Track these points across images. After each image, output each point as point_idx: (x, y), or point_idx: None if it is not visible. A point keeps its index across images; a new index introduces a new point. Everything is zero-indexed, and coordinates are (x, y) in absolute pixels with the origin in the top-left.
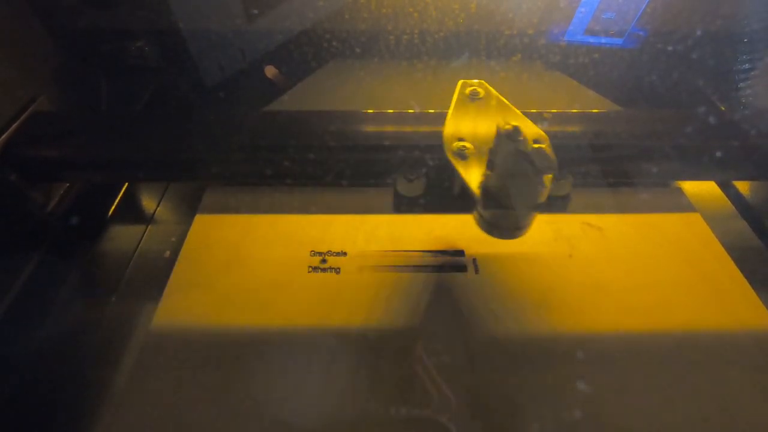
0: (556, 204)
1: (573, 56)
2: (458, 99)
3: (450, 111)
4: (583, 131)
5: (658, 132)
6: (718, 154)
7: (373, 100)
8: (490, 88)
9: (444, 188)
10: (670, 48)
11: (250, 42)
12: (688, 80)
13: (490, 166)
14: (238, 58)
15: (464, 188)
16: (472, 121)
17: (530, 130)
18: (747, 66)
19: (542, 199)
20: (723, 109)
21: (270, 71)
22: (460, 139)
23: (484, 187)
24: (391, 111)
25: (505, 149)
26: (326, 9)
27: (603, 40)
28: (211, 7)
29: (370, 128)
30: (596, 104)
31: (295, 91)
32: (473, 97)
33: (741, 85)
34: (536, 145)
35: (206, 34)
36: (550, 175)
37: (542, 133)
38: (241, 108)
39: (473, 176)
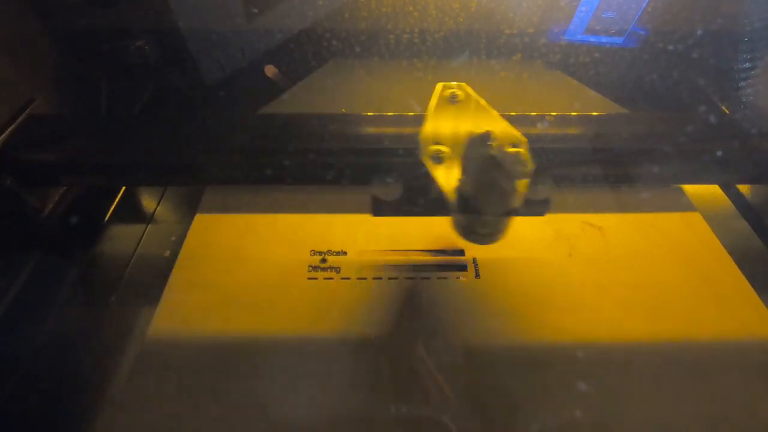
0: (536, 208)
1: (573, 55)
2: (438, 101)
3: (428, 114)
4: (582, 133)
5: (658, 134)
6: (719, 155)
7: (373, 99)
8: (470, 91)
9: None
10: (670, 47)
11: (250, 41)
12: (689, 80)
13: (464, 171)
14: (237, 58)
15: (441, 192)
16: (450, 125)
17: (508, 133)
18: (748, 65)
19: (516, 204)
20: (726, 110)
21: (270, 70)
22: (437, 143)
23: (459, 192)
24: (391, 113)
25: (476, 154)
26: (326, 8)
27: (603, 40)
28: (210, 7)
29: (370, 130)
30: (596, 104)
31: (294, 90)
32: (452, 99)
33: (742, 84)
34: (513, 150)
35: (206, 33)
36: (524, 180)
37: (521, 136)
38: (240, 108)
39: (448, 181)
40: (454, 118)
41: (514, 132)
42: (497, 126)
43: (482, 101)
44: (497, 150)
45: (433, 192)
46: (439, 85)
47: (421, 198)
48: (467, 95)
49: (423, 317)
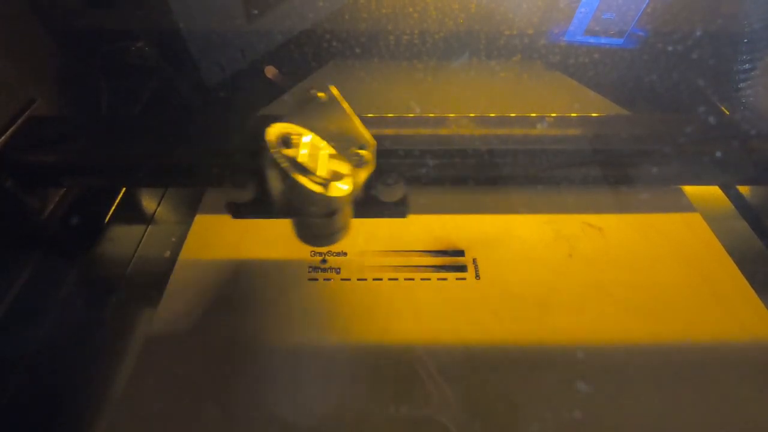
0: (394, 210)
1: (573, 56)
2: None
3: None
4: (582, 134)
5: (658, 135)
6: (719, 156)
7: (373, 100)
8: (335, 92)
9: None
10: (670, 48)
11: (250, 42)
12: (689, 80)
13: (268, 177)
14: (238, 58)
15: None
16: (303, 127)
17: (358, 135)
18: (748, 66)
19: (335, 206)
20: (725, 111)
21: (270, 71)
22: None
23: (277, 197)
24: (391, 115)
25: (268, 159)
26: (326, 9)
27: (603, 41)
28: (211, 8)
29: (370, 132)
30: (596, 105)
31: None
32: (315, 101)
33: (741, 85)
34: (360, 151)
35: (206, 34)
36: (345, 182)
37: (370, 139)
38: (240, 109)
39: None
40: (311, 121)
41: (365, 134)
42: (348, 127)
43: (344, 103)
44: (273, 153)
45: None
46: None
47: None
48: (332, 97)
49: (423, 317)
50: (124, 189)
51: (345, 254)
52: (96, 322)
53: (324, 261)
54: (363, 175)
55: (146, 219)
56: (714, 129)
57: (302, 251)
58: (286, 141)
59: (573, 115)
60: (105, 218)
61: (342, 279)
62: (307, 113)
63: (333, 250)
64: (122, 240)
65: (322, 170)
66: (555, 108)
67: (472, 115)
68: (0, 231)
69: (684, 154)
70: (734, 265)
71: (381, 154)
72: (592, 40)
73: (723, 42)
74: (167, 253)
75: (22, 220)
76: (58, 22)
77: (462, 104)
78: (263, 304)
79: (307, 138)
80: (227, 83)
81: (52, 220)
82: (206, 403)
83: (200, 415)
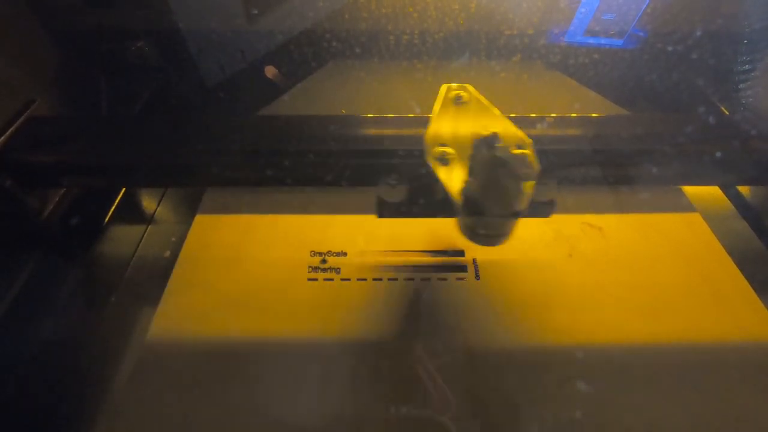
0: (541, 209)
1: (573, 57)
2: (442, 103)
3: (433, 115)
4: (582, 135)
5: (658, 135)
6: (719, 156)
7: (373, 100)
8: (475, 92)
9: (428, 193)
10: (670, 48)
11: (250, 42)
12: (689, 81)
13: (470, 172)
14: (238, 59)
15: (447, 194)
16: (455, 126)
17: (513, 135)
18: (747, 66)
19: (522, 206)
20: (725, 111)
21: (270, 71)
22: (442, 144)
23: (465, 194)
24: (391, 115)
25: (483, 156)
26: (326, 9)
27: (603, 41)
28: (211, 8)
29: (370, 132)
30: (596, 105)
31: (294, 91)
32: (458, 101)
33: (741, 85)
34: (518, 151)
35: (206, 34)
36: (531, 182)
37: (526, 138)
38: (240, 109)
39: (454, 182)
40: (459, 120)
41: (519, 133)
42: (502, 127)
43: (486, 102)
44: (503, 151)
45: (436, 193)
46: (444, 87)
47: (424, 199)
48: (471, 96)
49: (423, 318)
50: (123, 189)
51: (345, 254)
52: (96, 322)
53: (324, 261)
54: (534, 174)
55: (146, 219)
56: (714, 129)
57: (302, 252)
58: (490, 140)
59: (573, 115)
60: (105, 218)
61: (342, 279)
62: (453, 113)
63: (333, 251)
64: (122, 240)
65: (527, 168)
66: (555, 108)
67: None
68: (0, 231)
69: (684, 154)
70: (734, 265)
71: (381, 154)
72: (592, 40)
73: (723, 42)
74: (167, 253)
75: (21, 221)
76: (57, 22)
77: None
78: (263, 304)
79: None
80: (227, 83)
81: (51, 221)
82: (206, 403)
83: (200, 415)
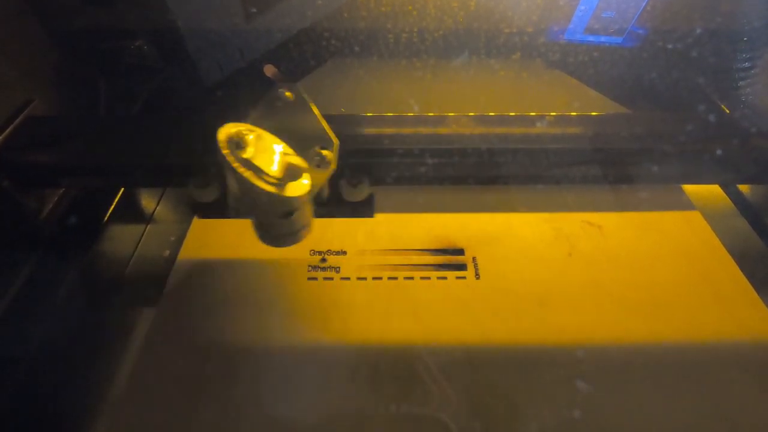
0: (361, 209)
1: (573, 55)
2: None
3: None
4: (582, 133)
5: (658, 134)
6: (719, 155)
7: (372, 98)
8: (302, 92)
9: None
10: (670, 46)
11: (249, 41)
12: (688, 79)
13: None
14: (236, 57)
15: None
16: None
17: (321, 135)
18: (748, 64)
19: (291, 207)
20: (725, 110)
21: (269, 70)
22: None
23: (231, 197)
24: (390, 113)
25: (222, 160)
26: (325, 8)
27: (603, 39)
28: (209, 7)
29: (369, 131)
30: (596, 103)
31: None
32: (282, 100)
33: (741, 83)
34: (321, 151)
35: (205, 33)
36: (301, 182)
37: (333, 138)
38: (240, 108)
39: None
40: (275, 121)
41: (327, 134)
42: (311, 126)
43: (309, 101)
44: (225, 154)
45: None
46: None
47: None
48: (298, 97)
49: (423, 317)
50: (122, 189)
51: (345, 253)
52: (95, 322)
53: (324, 260)
54: (324, 175)
55: (145, 219)
56: (714, 127)
57: (302, 251)
58: (237, 141)
59: (573, 113)
60: (104, 218)
61: (342, 278)
62: (273, 113)
63: (332, 249)
64: (121, 240)
65: (276, 170)
66: (555, 106)
67: (471, 113)
68: None
69: (684, 153)
70: (734, 263)
71: (381, 153)
72: (591, 38)
73: (723, 40)
74: (166, 253)
75: (20, 221)
76: (56, 21)
77: (461, 103)
78: (263, 303)
79: (259, 137)
80: (226, 82)
81: (50, 221)
82: (206, 403)
83: (200, 415)
